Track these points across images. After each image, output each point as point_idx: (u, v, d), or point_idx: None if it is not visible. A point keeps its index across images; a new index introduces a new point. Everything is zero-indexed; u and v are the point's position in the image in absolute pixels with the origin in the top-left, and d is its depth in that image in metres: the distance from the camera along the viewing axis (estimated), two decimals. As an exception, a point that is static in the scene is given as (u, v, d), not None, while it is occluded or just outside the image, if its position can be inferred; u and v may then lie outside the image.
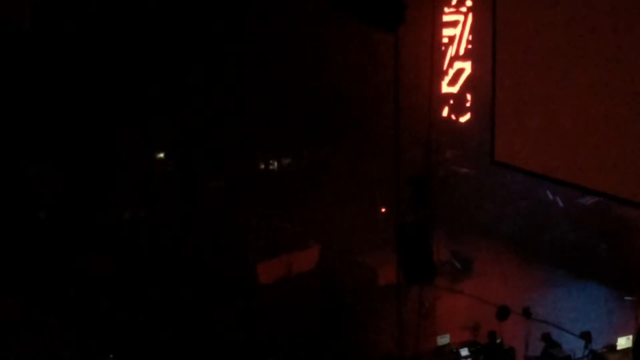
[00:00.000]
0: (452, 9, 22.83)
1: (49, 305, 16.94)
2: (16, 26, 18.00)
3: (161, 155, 22.30)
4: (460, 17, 22.85)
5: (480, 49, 21.26)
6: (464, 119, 23.31)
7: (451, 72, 23.16)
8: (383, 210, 21.10)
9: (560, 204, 21.61)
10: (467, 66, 23.04)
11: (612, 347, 15.02)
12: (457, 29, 22.90)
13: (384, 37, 10.21)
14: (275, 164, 23.30)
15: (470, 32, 22.77)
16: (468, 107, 23.23)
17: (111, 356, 15.64)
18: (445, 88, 23.24)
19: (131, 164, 21.07)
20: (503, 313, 15.38)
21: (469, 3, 22.63)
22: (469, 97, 23.17)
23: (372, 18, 10.16)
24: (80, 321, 16.71)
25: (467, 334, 16.19)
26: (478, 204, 22.41)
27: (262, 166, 23.14)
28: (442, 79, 23.11)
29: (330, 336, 16.61)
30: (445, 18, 22.83)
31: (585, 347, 14.75)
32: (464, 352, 15.25)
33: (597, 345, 15.03)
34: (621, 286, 17.87)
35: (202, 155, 21.39)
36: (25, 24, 17.91)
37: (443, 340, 15.53)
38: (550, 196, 21.75)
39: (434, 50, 20.20)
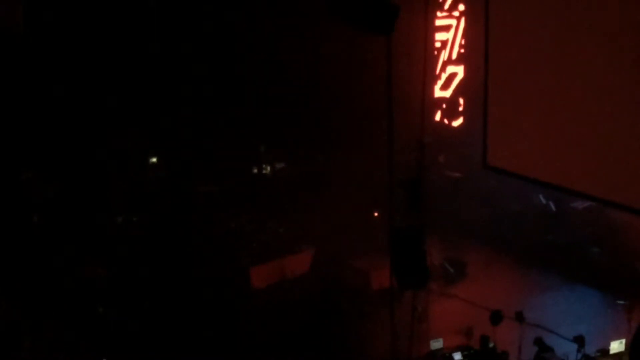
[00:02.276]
0: (444, 14, 22.87)
1: (42, 308, 16.89)
2: (9, 29, 17.97)
3: (154, 159, 22.27)
4: (453, 22, 22.88)
5: (473, 53, 21.31)
6: (456, 123, 23.33)
7: (444, 76, 23.19)
8: (376, 214, 21.10)
9: (553, 208, 21.63)
10: (459, 70, 23.07)
11: (605, 351, 15.03)
12: (449, 33, 22.93)
13: (376, 41, 10.21)
14: (269, 168, 23.29)
15: (463, 36, 22.81)
16: (461, 111, 23.26)
17: (104, 359, 15.63)
18: (437, 92, 23.27)
19: (124, 168, 21.05)
20: (496, 317, 15.38)
21: (461, 7, 22.68)
22: (461, 101, 23.21)
23: (364, 22, 10.16)
24: (74, 324, 16.68)
25: (461, 338, 16.19)
26: (471, 208, 22.42)
27: (256, 170, 23.13)
28: (435, 83, 23.14)
29: (323, 340, 16.59)
30: (438, 22, 22.87)
31: (578, 351, 14.72)
32: (457, 356, 15.25)
33: (590, 349, 15.03)
34: (614, 290, 17.90)
35: (195, 159, 21.37)
36: (18, 26, 17.87)
37: (436, 344, 15.52)
38: (543, 200, 21.77)
39: (427, 54, 20.20)
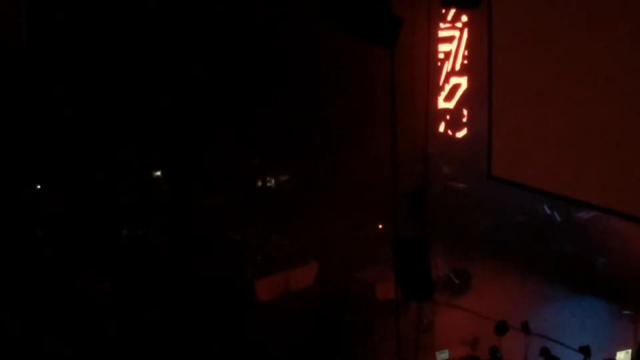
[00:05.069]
0: (447, 25, 22.91)
1: (46, 322, 16.89)
2: (12, 43, 18.01)
3: (158, 173, 22.29)
4: (456, 33, 22.92)
5: (477, 64, 21.31)
6: (460, 134, 23.33)
7: (447, 87, 23.21)
8: (380, 226, 21.09)
9: (558, 218, 21.60)
10: (463, 81, 23.09)
11: (611, 361, 15.01)
12: (452, 44, 22.97)
13: (379, 53, 10.22)
14: (273, 180, 23.30)
15: (466, 47, 22.83)
16: (464, 122, 23.27)
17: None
18: (441, 103, 23.29)
19: (128, 182, 21.07)
20: (502, 328, 15.33)
21: (464, 18, 22.70)
22: (465, 112, 23.21)
23: (367, 34, 10.17)
24: (77, 338, 16.67)
25: (466, 349, 16.14)
26: (475, 219, 22.40)
27: (260, 183, 23.14)
28: (439, 94, 23.16)
29: (329, 352, 16.57)
30: (441, 34, 22.92)
31: (584, 361, 14.71)
32: (463, 367, 15.23)
33: (596, 359, 14.99)
34: (620, 300, 17.84)
35: (199, 172, 21.39)
36: (21, 41, 17.91)
37: (442, 355, 15.47)
38: (548, 211, 21.74)
39: (430, 65, 20.22)
